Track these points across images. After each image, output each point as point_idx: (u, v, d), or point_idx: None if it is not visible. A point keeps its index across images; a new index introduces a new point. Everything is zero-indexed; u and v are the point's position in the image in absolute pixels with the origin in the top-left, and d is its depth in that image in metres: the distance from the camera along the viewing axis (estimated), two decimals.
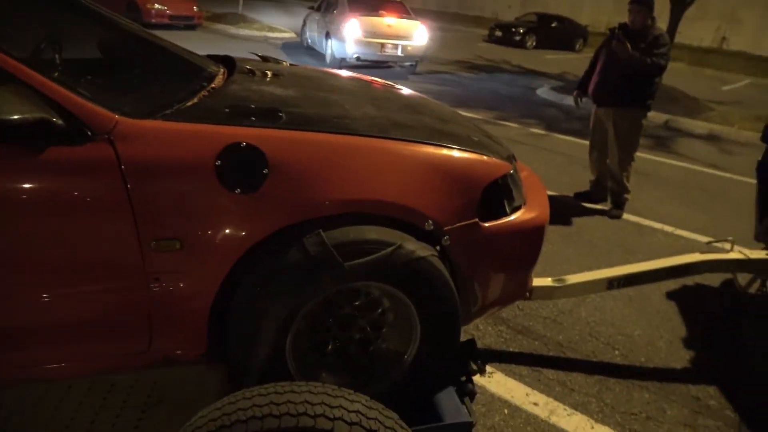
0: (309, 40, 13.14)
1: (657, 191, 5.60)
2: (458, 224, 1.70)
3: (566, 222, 4.60)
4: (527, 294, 2.05)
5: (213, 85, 1.90)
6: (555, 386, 2.55)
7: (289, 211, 1.52)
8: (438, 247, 1.68)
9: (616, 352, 2.87)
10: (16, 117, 1.30)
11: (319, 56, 12.10)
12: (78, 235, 1.43)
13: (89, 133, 1.41)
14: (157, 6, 14.01)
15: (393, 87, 2.55)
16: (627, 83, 4.33)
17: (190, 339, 1.62)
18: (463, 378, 1.86)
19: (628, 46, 4.21)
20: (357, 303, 1.70)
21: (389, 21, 10.95)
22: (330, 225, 1.55)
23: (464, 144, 1.83)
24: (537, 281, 2.70)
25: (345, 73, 2.82)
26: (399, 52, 10.96)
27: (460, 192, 1.71)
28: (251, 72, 2.15)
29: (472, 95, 10.09)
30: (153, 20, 14.00)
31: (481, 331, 2.93)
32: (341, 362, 1.75)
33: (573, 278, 2.74)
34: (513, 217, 1.83)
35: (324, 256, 1.51)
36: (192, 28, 15.03)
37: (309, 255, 1.51)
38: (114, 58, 2.14)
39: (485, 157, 1.81)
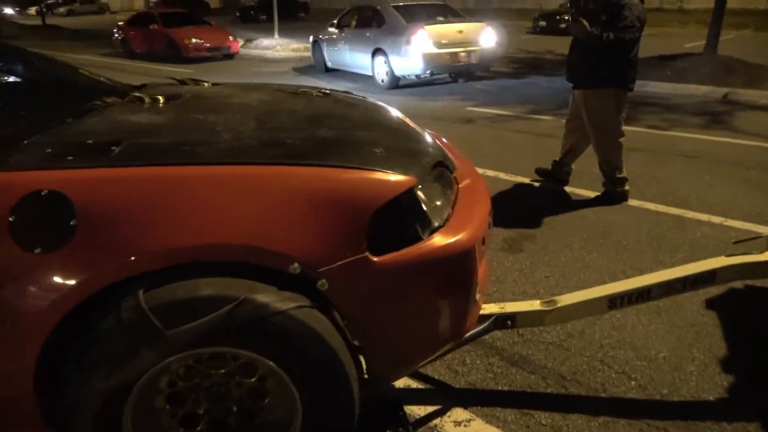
0: (329, 62, 11.65)
1: (706, 175, 4.91)
2: (338, 263, 1.33)
3: (590, 220, 4.06)
4: (462, 335, 1.63)
5: (70, 119, 1.64)
6: None
7: (105, 269, 1.22)
8: (315, 295, 1.32)
9: (633, 383, 2.36)
10: None
11: (358, 78, 10.70)
12: None
13: None
14: (194, 40, 14.37)
15: (315, 96, 2.19)
16: (591, 62, 4.05)
17: (30, 424, 1.34)
18: None
19: (585, 24, 3.88)
20: (223, 371, 1.37)
21: (457, 26, 9.63)
22: (165, 281, 1.23)
23: (356, 159, 1.46)
24: (522, 305, 2.28)
25: (269, 87, 2.49)
26: (473, 60, 9.63)
27: (337, 221, 1.34)
28: (139, 99, 1.88)
29: (509, 90, 9.57)
30: (191, 54, 14.38)
31: (467, 366, 2.51)
32: None
33: (566, 299, 2.28)
34: (425, 243, 1.44)
35: (139, 323, 1.20)
36: (230, 57, 15.32)
37: (122, 322, 1.20)
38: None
39: (377, 174, 1.43)
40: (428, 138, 1.96)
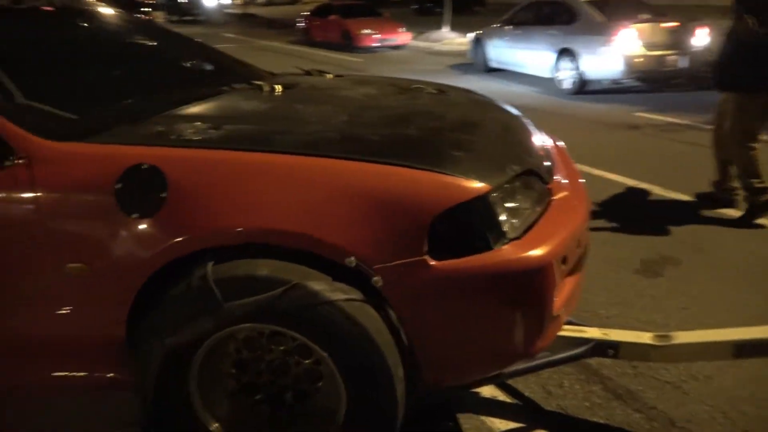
0: (493, 62, 10.57)
1: None
2: (394, 262, 1.31)
3: (751, 252, 3.51)
4: (531, 354, 1.50)
5: (189, 104, 1.82)
6: None
7: (185, 239, 1.34)
8: (368, 291, 1.32)
9: None
10: None
11: (529, 80, 9.56)
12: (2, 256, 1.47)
13: (11, 157, 1.43)
14: (366, 31, 15.02)
15: (424, 93, 2.14)
16: (751, 65, 3.62)
17: (120, 366, 1.54)
18: None
19: (749, 21, 3.53)
20: (283, 348, 1.43)
21: (666, 25, 8.24)
22: (231, 257, 1.33)
23: (428, 160, 1.42)
24: (629, 335, 2.07)
25: (383, 81, 2.50)
26: (683, 64, 8.19)
27: (398, 220, 1.32)
28: (258, 87, 2.03)
29: (689, 96, 8.54)
30: (362, 44, 15.07)
31: (563, 389, 2.34)
32: (271, 412, 1.49)
33: (683, 336, 2.02)
34: (491, 253, 1.35)
35: (203, 292, 1.30)
36: (399, 48, 15.76)
37: (190, 289, 1.31)
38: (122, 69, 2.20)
39: (445, 178, 1.38)
40: (530, 145, 1.84)
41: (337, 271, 1.33)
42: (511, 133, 1.88)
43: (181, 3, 29.12)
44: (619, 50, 7.93)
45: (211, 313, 1.31)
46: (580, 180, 1.89)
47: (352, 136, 1.57)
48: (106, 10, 2.61)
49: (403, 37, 15.63)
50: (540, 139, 2.02)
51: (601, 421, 2.17)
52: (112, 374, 1.57)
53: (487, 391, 2.35)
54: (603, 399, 2.28)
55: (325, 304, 1.28)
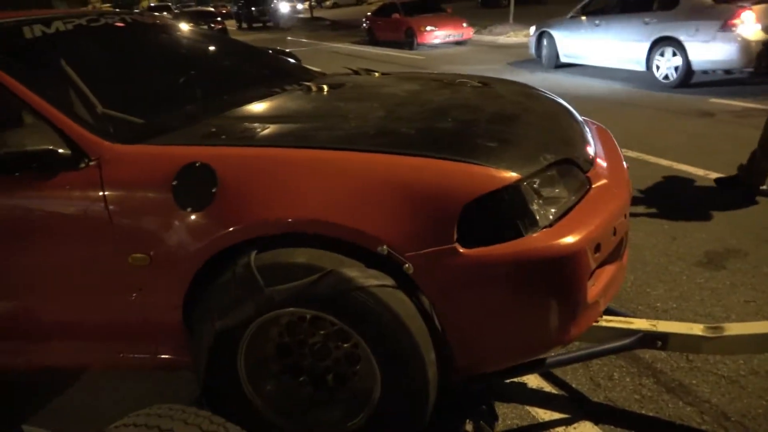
0: (564, 56, 9.81)
1: None
2: (425, 250, 1.37)
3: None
4: (564, 341, 1.51)
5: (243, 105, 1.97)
6: None
7: (233, 230, 1.47)
8: (401, 278, 1.39)
9: None
10: (30, 149, 1.58)
11: (617, 74, 8.89)
12: (74, 248, 1.66)
13: (85, 159, 1.61)
14: (428, 28, 15.02)
15: (466, 87, 2.18)
16: None
17: (180, 348, 1.70)
18: None
19: None
20: (323, 332, 1.53)
21: None
22: (280, 245, 1.44)
23: (459, 151, 1.47)
24: (678, 327, 2.03)
25: (427, 77, 2.56)
26: None
27: (428, 210, 1.38)
28: (307, 87, 2.15)
29: None
30: (425, 41, 15.10)
31: (613, 381, 2.32)
32: (313, 393, 1.60)
33: (736, 328, 1.96)
34: (522, 240, 1.39)
35: (247, 278, 1.41)
36: (462, 44, 15.66)
37: (235, 276, 1.43)
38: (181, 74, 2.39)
39: (474, 168, 1.42)
40: (570, 134, 1.85)
41: (371, 259, 1.41)
42: (550, 122, 1.90)
43: (252, 11, 30.19)
44: (736, 35, 7.00)
45: (254, 298, 1.42)
46: (623, 167, 1.88)
47: (387, 130, 1.65)
48: (172, 23, 2.82)
49: (465, 32, 15.51)
50: (583, 128, 2.02)
51: (650, 414, 2.14)
52: (171, 355, 1.73)
53: (534, 382, 2.37)
54: (654, 392, 2.24)
55: (358, 290, 1.36)
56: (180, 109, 2.02)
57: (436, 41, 15.13)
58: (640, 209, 3.99)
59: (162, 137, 1.70)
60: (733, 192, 4.05)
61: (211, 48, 2.73)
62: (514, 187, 1.43)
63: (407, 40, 15.53)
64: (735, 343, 1.94)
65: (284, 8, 30.65)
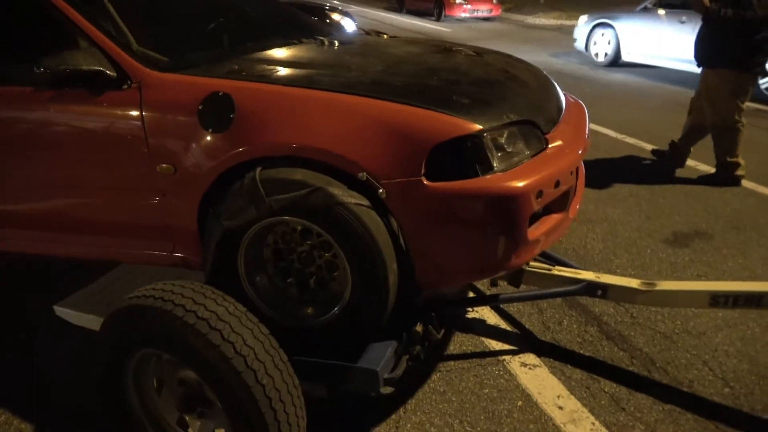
0: (634, 54, 8.50)
1: None
2: (396, 180, 1.69)
3: (744, 221, 3.56)
4: (506, 267, 1.83)
5: (266, 50, 2.29)
6: (602, 399, 2.20)
7: (245, 149, 1.79)
8: (375, 200, 1.72)
9: (727, 390, 2.26)
10: (84, 68, 1.91)
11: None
12: (112, 156, 2.01)
13: (129, 82, 1.94)
14: (458, 0, 15.06)
15: (459, 53, 2.47)
16: (713, 41, 4.03)
17: (193, 248, 2.05)
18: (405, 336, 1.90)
19: None
20: (309, 242, 1.87)
21: None
22: (281, 165, 1.77)
23: (434, 103, 1.77)
24: (618, 280, 2.34)
25: (428, 42, 2.87)
26: None
27: (401, 148, 1.68)
28: (321, 41, 2.46)
29: None
30: (453, 14, 15.15)
31: (562, 326, 2.66)
32: (298, 293, 1.95)
33: (666, 285, 2.27)
34: (476, 179, 1.70)
35: (252, 189, 1.74)
36: (490, 20, 15.70)
37: (242, 186, 1.76)
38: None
39: (444, 117, 1.72)
40: (539, 101, 2.14)
41: (353, 183, 1.73)
42: (524, 89, 2.18)
43: None
44: None
45: (256, 204, 1.74)
46: (583, 135, 2.18)
47: (381, 81, 1.94)
48: None
49: (495, 8, 15.52)
50: (557, 98, 2.31)
51: (587, 354, 2.47)
52: (185, 254, 2.07)
53: (492, 320, 2.71)
54: (595, 338, 2.57)
55: (338, 205, 1.68)
56: (211, 49, 2.34)
57: (464, 15, 15.19)
58: (624, 190, 4.27)
59: (193, 69, 2.01)
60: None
61: (248, 2, 3.03)
62: (476, 136, 1.72)
63: (435, 11, 15.59)
64: (663, 297, 2.25)
65: None
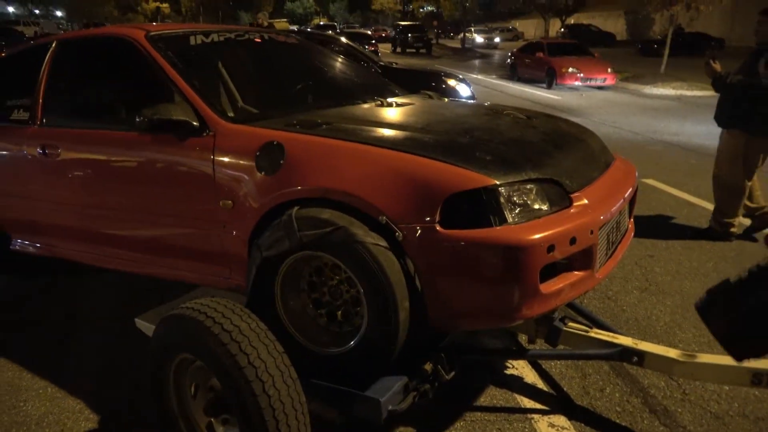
0: None
1: None
2: (413, 224, 1.84)
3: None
4: (515, 318, 1.86)
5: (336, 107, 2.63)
6: None
7: (288, 191, 2.06)
8: (393, 242, 1.88)
9: None
10: (174, 118, 2.32)
11: None
12: (187, 190, 2.38)
13: (207, 131, 2.33)
14: (570, 70, 15.07)
15: (506, 116, 2.61)
16: (723, 104, 4.33)
17: (243, 275, 2.32)
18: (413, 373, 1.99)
19: (713, 66, 4.32)
20: (338, 278, 2.06)
21: None
22: (320, 205, 2.01)
23: (455, 158, 1.92)
24: (657, 348, 2.28)
25: (483, 106, 3.04)
26: None
27: (419, 197, 1.84)
28: (381, 103, 2.74)
29: None
30: (565, 82, 15.15)
31: (603, 393, 2.58)
32: (326, 323, 2.13)
33: (706, 358, 2.18)
34: (487, 230, 1.80)
35: (288, 224, 1.98)
36: (605, 89, 15.46)
37: (281, 222, 2.01)
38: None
39: (460, 170, 1.86)
40: (572, 162, 2.22)
41: (374, 225, 1.91)
42: (558, 150, 2.26)
43: (408, 37, 31.77)
44: None
45: (290, 237, 1.98)
46: (620, 196, 2.21)
47: (414, 137, 2.14)
48: (297, 42, 3.56)
49: (609, 77, 15.30)
50: (597, 159, 2.38)
51: (623, 424, 2.38)
52: (239, 280, 2.36)
53: (530, 378, 2.70)
54: (636, 410, 2.46)
55: (357, 243, 1.86)
56: (277, 105, 2.72)
57: (576, 83, 15.12)
58: (709, 265, 4.03)
59: (258, 122, 2.36)
60: None
61: (320, 62, 3.43)
62: (490, 190, 1.85)
63: (546, 79, 15.69)
64: (702, 370, 2.15)
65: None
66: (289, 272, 2.10)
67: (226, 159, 2.26)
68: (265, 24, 11.13)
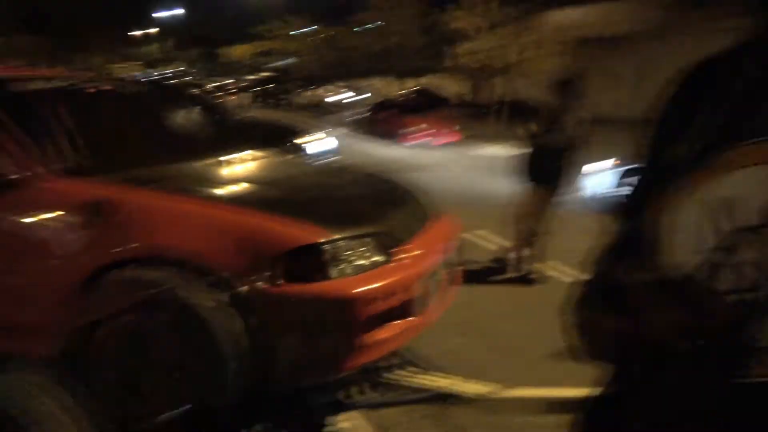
0: None
1: None
2: (254, 280, 1.95)
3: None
4: (343, 369, 2.04)
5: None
6: None
7: (119, 250, 2.05)
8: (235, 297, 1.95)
9: None
10: None
11: None
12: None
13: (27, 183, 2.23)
14: (414, 127, 16.21)
15: (346, 173, 2.88)
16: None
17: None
18: None
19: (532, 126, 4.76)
20: (170, 338, 2.07)
21: None
22: (156, 263, 2.01)
23: (292, 212, 2.07)
24: (472, 388, 2.51)
25: (326, 165, 3.31)
26: None
27: (262, 251, 1.98)
28: (228, 158, 2.84)
29: None
30: (417, 140, 16.23)
31: (400, 423, 2.72)
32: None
33: (516, 392, 2.47)
34: (320, 283, 1.96)
35: (110, 286, 1.98)
36: (446, 145, 16.71)
37: (105, 282, 2.01)
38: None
39: (297, 224, 2.02)
40: (400, 216, 2.49)
41: (214, 282, 1.97)
42: (391, 207, 2.53)
43: (268, 89, 31.87)
44: None
45: (113, 301, 1.97)
46: (438, 250, 2.50)
47: (251, 192, 2.27)
48: (146, 90, 3.52)
49: (452, 136, 16.66)
50: (421, 215, 2.68)
51: None
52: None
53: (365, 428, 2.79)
54: None
55: (185, 304, 1.91)
56: (117, 158, 2.70)
57: (425, 140, 16.24)
58: None
59: (92, 176, 2.31)
60: None
61: (169, 114, 3.45)
62: (324, 244, 2.02)
63: (399, 136, 16.68)
64: (512, 403, 2.45)
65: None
66: (117, 334, 2.06)
67: (49, 215, 2.18)
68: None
